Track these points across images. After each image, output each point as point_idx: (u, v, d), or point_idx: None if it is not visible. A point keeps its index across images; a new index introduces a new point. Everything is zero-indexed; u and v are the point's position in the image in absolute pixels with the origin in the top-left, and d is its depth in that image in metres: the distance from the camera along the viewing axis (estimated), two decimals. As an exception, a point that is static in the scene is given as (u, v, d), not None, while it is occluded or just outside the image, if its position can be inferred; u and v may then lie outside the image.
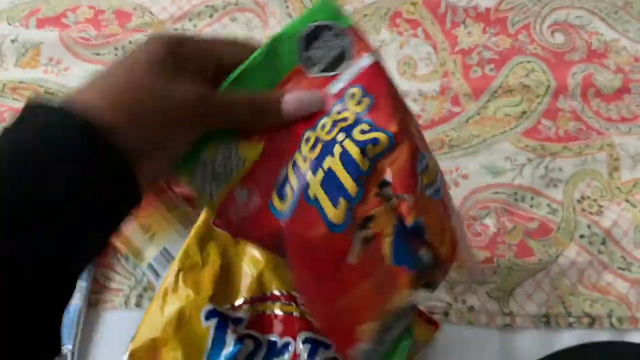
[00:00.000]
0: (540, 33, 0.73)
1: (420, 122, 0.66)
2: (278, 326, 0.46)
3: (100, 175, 0.27)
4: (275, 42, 0.35)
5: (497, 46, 0.72)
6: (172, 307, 0.45)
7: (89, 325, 0.53)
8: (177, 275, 0.46)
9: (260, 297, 0.47)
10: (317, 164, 0.33)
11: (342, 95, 0.35)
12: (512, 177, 0.62)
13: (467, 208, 0.60)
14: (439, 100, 0.67)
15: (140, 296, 0.54)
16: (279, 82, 0.35)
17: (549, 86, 0.68)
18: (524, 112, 0.66)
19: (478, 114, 0.66)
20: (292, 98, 0.34)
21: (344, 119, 0.34)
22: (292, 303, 0.46)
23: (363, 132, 0.33)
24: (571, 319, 0.54)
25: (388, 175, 0.33)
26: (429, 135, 0.64)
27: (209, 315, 0.45)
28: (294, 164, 0.34)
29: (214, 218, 0.36)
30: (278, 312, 0.46)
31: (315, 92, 0.34)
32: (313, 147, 0.34)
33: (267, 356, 0.45)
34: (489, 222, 0.59)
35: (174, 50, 0.31)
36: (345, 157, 0.33)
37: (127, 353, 0.45)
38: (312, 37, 0.35)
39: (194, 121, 0.31)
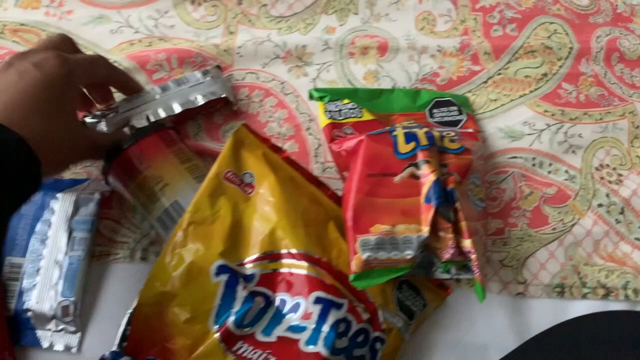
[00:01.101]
0: (564, -7, 0.70)
1: (437, 80, 0.63)
2: (289, 285, 0.44)
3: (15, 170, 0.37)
4: (389, 90, 0.61)
5: (520, 5, 0.69)
6: (181, 261, 0.43)
7: (93, 278, 0.51)
8: (186, 229, 0.44)
9: (271, 254, 0.45)
10: (408, 128, 0.52)
11: (444, 137, 0.52)
12: (530, 141, 0.60)
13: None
14: (458, 57, 0.65)
15: (145, 250, 0.52)
16: (392, 112, 0.58)
17: (571, 48, 0.66)
18: (545, 75, 0.64)
19: (498, 74, 0.64)
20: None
21: (443, 137, 0.52)
22: (305, 262, 0.44)
23: (451, 139, 0.52)
24: (586, 290, 0.53)
25: (449, 163, 0.50)
26: (446, 95, 0.62)
27: (220, 271, 0.43)
28: (394, 126, 0.53)
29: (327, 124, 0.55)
30: (289, 270, 0.45)
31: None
32: (410, 125, 0.53)
33: (278, 314, 0.44)
34: (506, 186, 0.57)
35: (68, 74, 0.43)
36: (427, 133, 0.51)
37: (133, 307, 0.43)
38: (441, 104, 0.59)
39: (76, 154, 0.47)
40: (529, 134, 0.61)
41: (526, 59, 0.65)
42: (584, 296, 0.53)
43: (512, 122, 0.61)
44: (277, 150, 0.51)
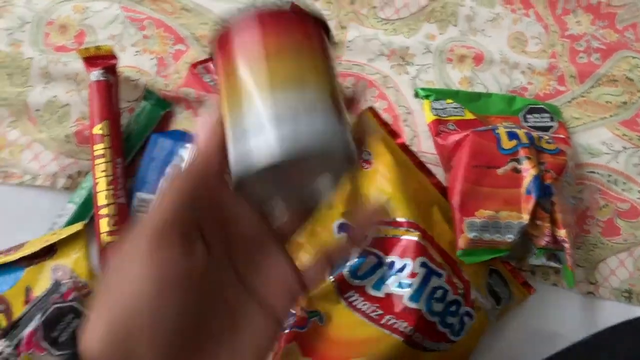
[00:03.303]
0: (645, 33, 0.71)
1: (526, 94, 0.65)
2: (398, 249, 0.46)
3: None
4: (487, 94, 0.62)
5: (604, 38, 0.70)
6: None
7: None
8: (312, 187, 0.46)
9: (385, 221, 0.47)
10: (509, 127, 0.55)
11: (541, 138, 0.55)
12: (607, 160, 0.61)
13: (564, 180, 0.59)
14: (546, 77, 0.66)
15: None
16: (489, 115, 0.59)
17: (650, 83, 0.67)
18: (625, 103, 0.65)
19: (581, 97, 0.65)
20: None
21: (541, 138, 0.55)
22: (414, 230, 0.46)
23: (547, 141, 0.55)
24: (652, 298, 0.54)
25: (546, 162, 0.52)
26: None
27: (341, 229, 0.45)
28: (495, 125, 0.56)
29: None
30: (400, 237, 0.46)
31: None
32: (510, 126, 0.56)
33: (387, 273, 0.45)
34: (582, 196, 0.59)
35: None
36: (527, 133, 0.53)
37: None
38: (534, 110, 0.61)
39: None
40: (606, 153, 0.62)
41: (608, 87, 0.66)
42: (651, 304, 0.54)
43: (591, 141, 0.63)
44: (394, 135, 0.53)
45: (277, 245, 0.29)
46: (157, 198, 0.26)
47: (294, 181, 0.26)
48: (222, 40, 0.26)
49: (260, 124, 0.23)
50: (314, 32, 0.26)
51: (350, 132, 0.26)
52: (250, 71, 0.24)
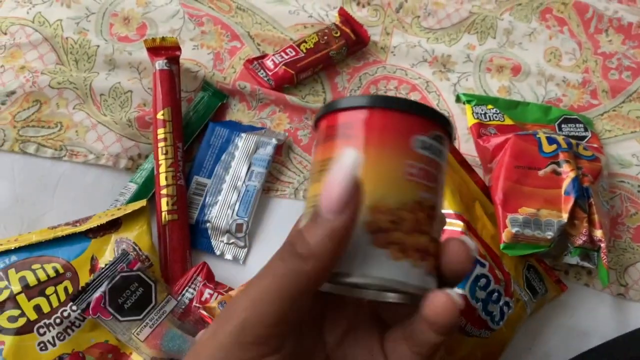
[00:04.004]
0: (674, 55, 0.74)
1: (560, 105, 0.67)
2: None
3: None
4: (524, 103, 0.64)
5: (635, 57, 0.73)
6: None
7: (260, 207, 0.56)
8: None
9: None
10: (548, 133, 0.57)
11: (579, 145, 0.57)
12: (637, 171, 0.64)
13: (597, 187, 0.61)
14: (580, 90, 0.69)
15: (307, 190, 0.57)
16: (526, 122, 0.62)
17: (679, 101, 0.69)
18: (654, 119, 0.67)
19: (613, 111, 0.68)
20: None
21: (578, 144, 0.57)
22: (460, 222, 0.48)
23: (584, 147, 0.57)
24: (680, 302, 0.56)
25: (583, 167, 0.54)
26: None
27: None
28: (535, 130, 0.59)
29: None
30: (447, 228, 0.48)
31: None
32: (549, 132, 0.58)
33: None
34: (613, 204, 0.61)
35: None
36: (566, 139, 0.55)
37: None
38: (569, 120, 0.63)
39: None
40: (636, 165, 0.64)
41: (638, 103, 0.69)
42: (678, 307, 0.55)
43: (622, 152, 0.65)
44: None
45: (377, 335, 0.27)
46: (250, 287, 0.23)
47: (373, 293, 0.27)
48: (325, 128, 0.25)
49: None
50: (428, 144, 0.24)
51: (432, 273, 0.24)
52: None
